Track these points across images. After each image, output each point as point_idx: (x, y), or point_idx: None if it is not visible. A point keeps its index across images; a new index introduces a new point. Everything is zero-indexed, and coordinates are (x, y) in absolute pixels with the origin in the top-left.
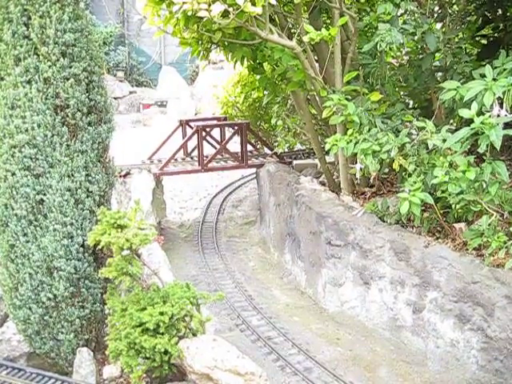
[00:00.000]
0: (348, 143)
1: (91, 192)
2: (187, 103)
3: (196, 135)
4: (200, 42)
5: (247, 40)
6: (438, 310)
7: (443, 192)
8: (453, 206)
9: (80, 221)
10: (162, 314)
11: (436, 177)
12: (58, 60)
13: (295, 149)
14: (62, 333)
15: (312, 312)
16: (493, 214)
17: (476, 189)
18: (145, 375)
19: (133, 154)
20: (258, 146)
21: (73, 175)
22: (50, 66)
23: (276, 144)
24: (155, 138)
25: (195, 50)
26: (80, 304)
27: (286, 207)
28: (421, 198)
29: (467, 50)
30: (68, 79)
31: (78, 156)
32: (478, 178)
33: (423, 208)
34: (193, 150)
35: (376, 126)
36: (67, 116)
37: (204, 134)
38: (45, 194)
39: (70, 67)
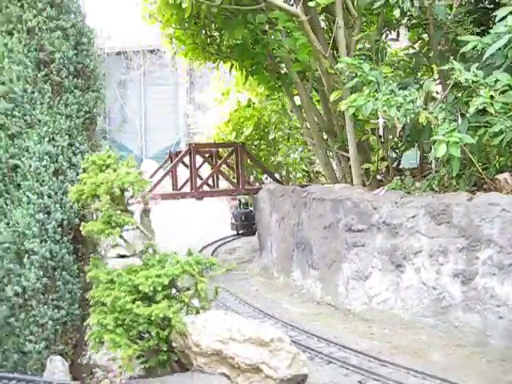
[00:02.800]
0: (367, 102)
1: (74, 165)
2: None
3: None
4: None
5: (248, 5)
6: (494, 270)
7: (487, 124)
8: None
9: (60, 195)
10: (159, 276)
11: (480, 101)
12: (44, 10)
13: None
14: (31, 341)
15: (334, 316)
16: None
17: None
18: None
19: None
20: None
21: (54, 139)
22: (35, 16)
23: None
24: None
25: (189, 49)
26: (55, 302)
27: (292, 216)
28: (460, 137)
29: None
30: (54, 31)
31: (61, 119)
32: None
33: (459, 170)
34: (184, 184)
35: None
36: (51, 73)
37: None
38: (20, 159)
39: (58, 19)
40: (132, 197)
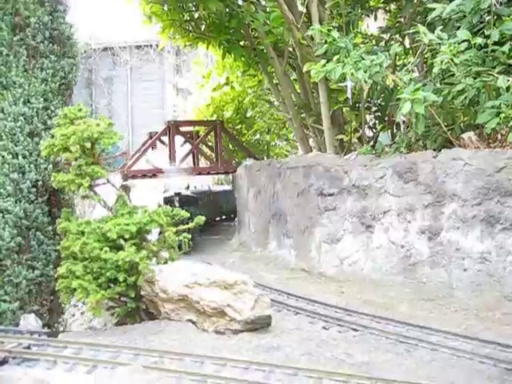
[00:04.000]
0: (336, 67)
1: (49, 128)
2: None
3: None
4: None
5: None
6: (459, 224)
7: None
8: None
9: (34, 155)
10: (127, 224)
11: (442, 58)
12: None
13: None
14: (5, 301)
15: (307, 279)
16: (508, 79)
17: (482, 58)
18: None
19: None
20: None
21: (29, 101)
22: None
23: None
24: None
25: (166, 26)
26: (29, 263)
27: (268, 188)
28: (424, 96)
29: None
30: None
31: (36, 82)
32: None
33: (425, 130)
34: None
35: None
36: (27, 37)
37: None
38: None
39: None
40: (103, 150)
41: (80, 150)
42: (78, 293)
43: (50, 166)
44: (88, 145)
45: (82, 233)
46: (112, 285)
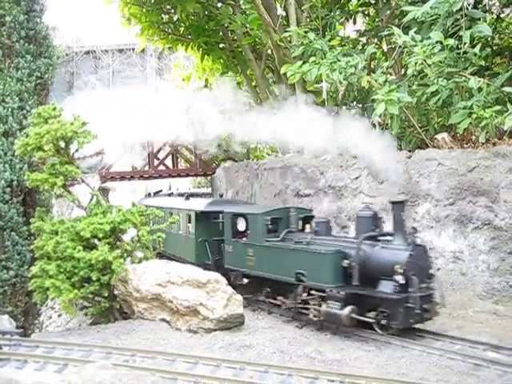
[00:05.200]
0: (312, 68)
1: (25, 128)
2: None
3: None
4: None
5: None
6: (432, 223)
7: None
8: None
9: (9, 155)
10: (101, 224)
11: (415, 59)
12: None
13: None
14: None
15: None
16: (479, 80)
17: (454, 60)
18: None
19: None
20: None
21: (4, 101)
22: None
23: None
24: None
25: (145, 28)
26: (3, 263)
27: (246, 189)
28: (398, 97)
29: None
30: None
31: (11, 81)
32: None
33: (400, 131)
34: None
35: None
36: (2, 36)
37: None
38: None
39: None
40: (77, 150)
41: (54, 149)
42: (51, 292)
43: (26, 165)
44: (62, 144)
45: (56, 232)
46: (85, 284)
